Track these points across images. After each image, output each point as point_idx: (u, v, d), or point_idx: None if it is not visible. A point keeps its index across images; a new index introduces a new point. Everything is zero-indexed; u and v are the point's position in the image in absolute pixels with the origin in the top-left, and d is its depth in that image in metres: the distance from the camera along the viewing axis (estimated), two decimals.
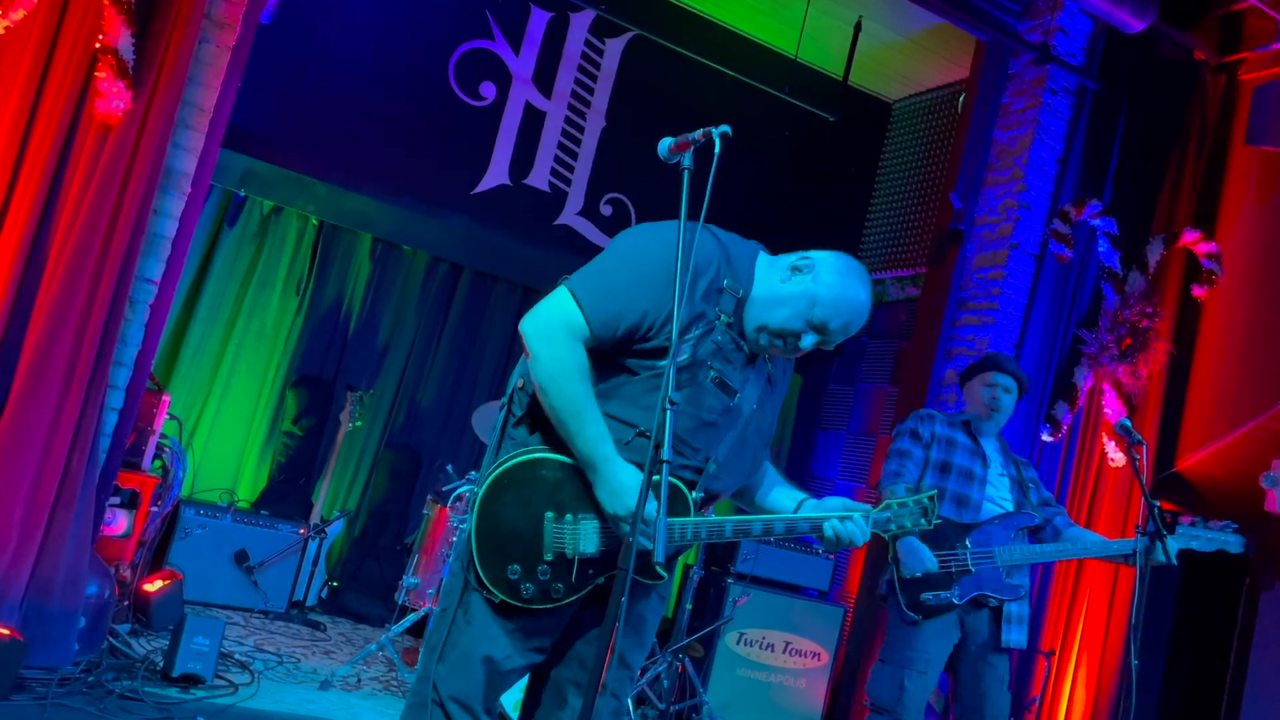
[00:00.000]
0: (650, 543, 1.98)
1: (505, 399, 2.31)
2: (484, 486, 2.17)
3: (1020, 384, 4.02)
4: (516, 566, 2.15)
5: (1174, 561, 3.48)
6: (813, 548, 5.80)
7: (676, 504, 2.23)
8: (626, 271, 2.20)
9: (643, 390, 2.20)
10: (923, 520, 2.40)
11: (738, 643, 5.32)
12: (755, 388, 2.34)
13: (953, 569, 3.75)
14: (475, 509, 2.16)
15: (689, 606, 5.08)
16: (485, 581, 2.14)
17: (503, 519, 2.16)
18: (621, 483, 2.13)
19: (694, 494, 2.25)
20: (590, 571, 2.20)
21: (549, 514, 2.17)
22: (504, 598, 2.15)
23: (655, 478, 1.96)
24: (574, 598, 2.20)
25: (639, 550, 2.00)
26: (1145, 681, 5.38)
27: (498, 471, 2.18)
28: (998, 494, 3.92)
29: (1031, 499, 3.97)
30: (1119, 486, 5.51)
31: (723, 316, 2.24)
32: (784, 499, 2.48)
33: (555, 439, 2.19)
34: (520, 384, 2.27)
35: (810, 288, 2.24)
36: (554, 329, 2.15)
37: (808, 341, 2.25)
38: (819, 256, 2.26)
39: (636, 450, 2.17)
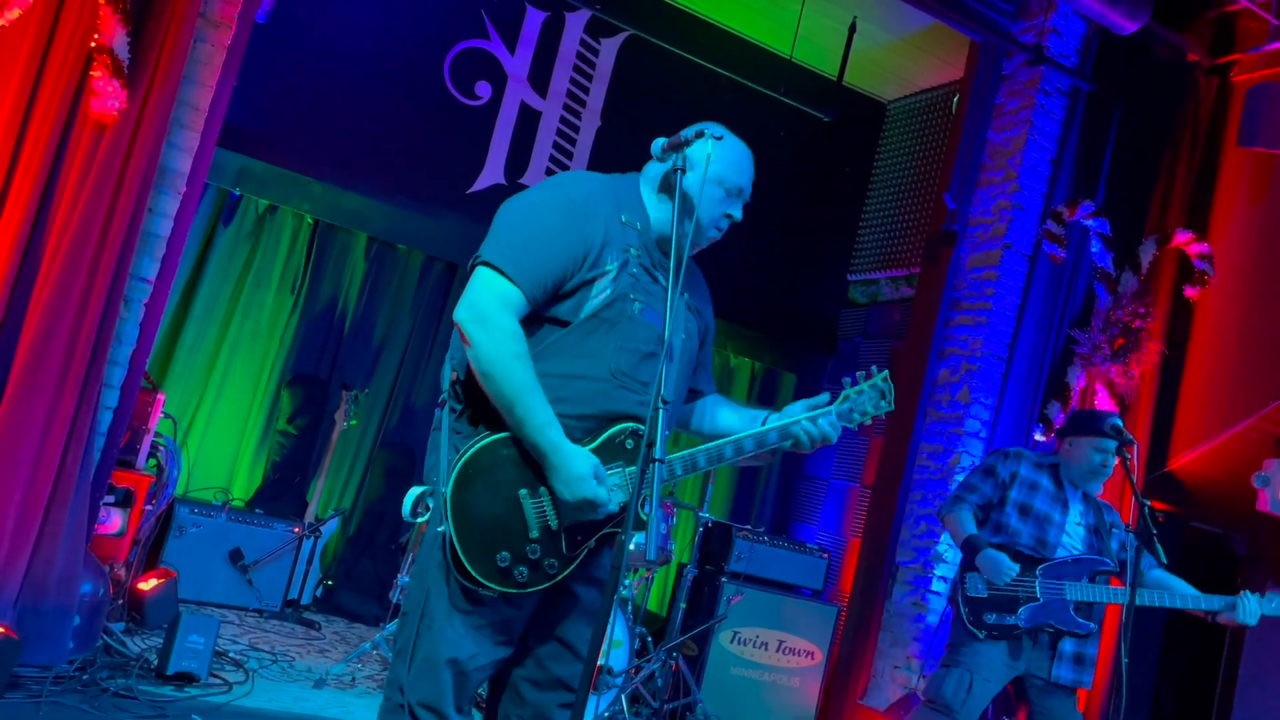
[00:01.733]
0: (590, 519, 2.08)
1: (443, 395, 2.27)
2: (450, 484, 2.12)
3: (1129, 447, 3.89)
4: (505, 554, 2.12)
5: (1164, 560, 3.50)
6: (807, 545, 5.82)
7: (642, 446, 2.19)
8: (528, 227, 2.20)
9: (578, 339, 2.20)
10: (883, 402, 2.42)
11: (731, 641, 5.34)
12: (680, 317, 2.36)
13: (1020, 594, 3.76)
14: (448, 509, 2.11)
15: (683, 605, 5.09)
16: (478, 578, 2.10)
17: (478, 510, 2.12)
18: (573, 471, 2.11)
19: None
20: (579, 537, 2.19)
21: (522, 492, 2.15)
22: (501, 589, 2.12)
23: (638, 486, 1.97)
24: (569, 569, 2.19)
25: (611, 506, 2.12)
26: (1137, 681, 5.41)
27: (460, 465, 2.13)
28: (1073, 540, 3.91)
29: (1111, 546, 3.92)
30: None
31: (631, 250, 2.27)
32: (746, 420, 2.45)
33: (502, 424, 2.16)
34: (455, 377, 2.24)
35: (712, 171, 2.31)
36: (489, 309, 2.13)
37: (737, 210, 2.38)
38: (689, 152, 2.27)
39: (580, 400, 2.18)
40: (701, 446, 2.29)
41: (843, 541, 6.65)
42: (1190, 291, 5.58)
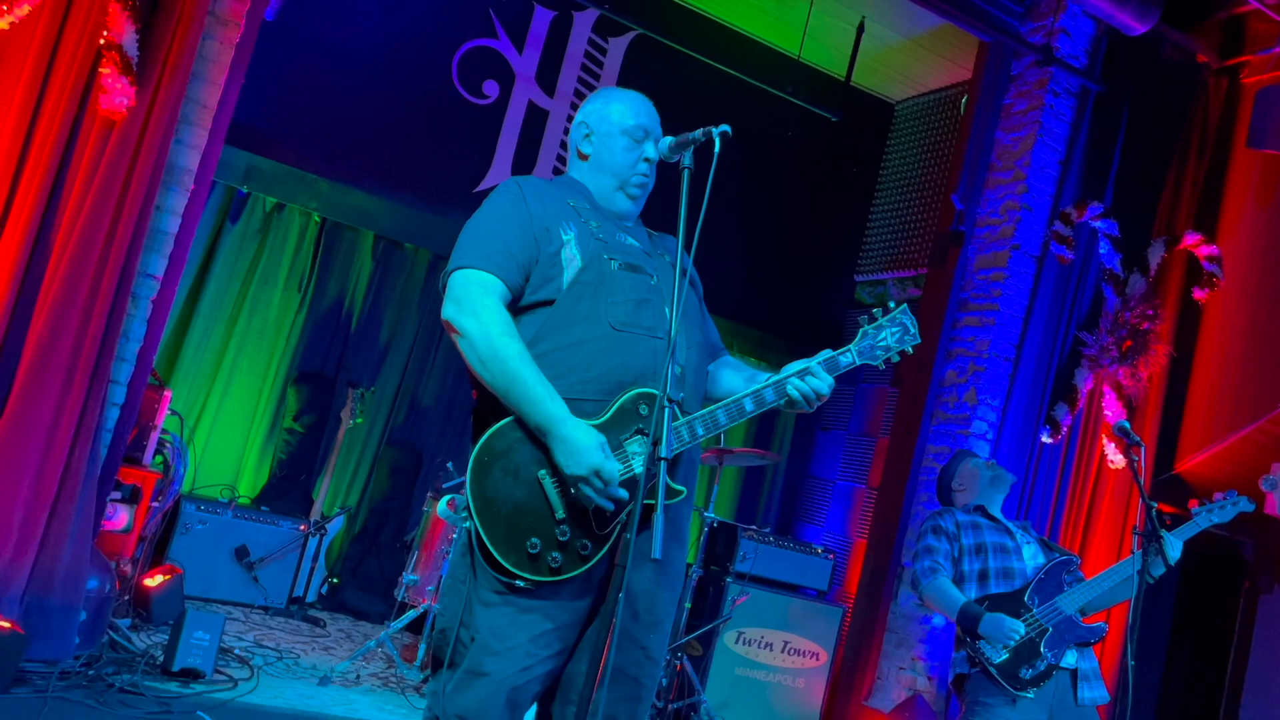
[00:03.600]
0: (598, 498, 2.06)
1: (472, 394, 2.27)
2: (469, 474, 2.08)
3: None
4: (535, 540, 2.06)
5: (1170, 564, 3.48)
6: (812, 546, 5.81)
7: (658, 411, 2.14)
8: (482, 226, 2.26)
9: (568, 309, 2.20)
10: (906, 337, 2.36)
11: (736, 642, 5.33)
12: (667, 274, 2.35)
13: (1033, 635, 3.66)
14: (470, 500, 2.06)
15: (688, 605, 5.08)
16: (511, 569, 2.04)
17: (500, 497, 2.07)
18: (578, 442, 2.05)
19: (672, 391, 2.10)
20: (609, 514, 2.12)
21: (543, 473, 2.09)
22: (535, 578, 2.04)
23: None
24: (604, 549, 2.11)
25: (635, 475, 2.09)
26: (1143, 683, 5.39)
27: (475, 452, 2.10)
28: (1031, 556, 3.88)
29: (1058, 549, 3.93)
30: (1119, 489, 5.52)
31: (591, 223, 2.31)
32: (744, 380, 2.42)
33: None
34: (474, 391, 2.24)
35: (611, 123, 2.40)
36: (471, 298, 2.15)
37: (651, 149, 2.39)
38: (582, 117, 2.45)
39: (589, 362, 2.16)
40: (698, 414, 2.22)
41: (848, 543, 6.64)
42: (1199, 293, 5.56)
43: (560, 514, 2.09)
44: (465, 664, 2.10)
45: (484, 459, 2.10)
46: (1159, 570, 3.56)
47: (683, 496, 2.21)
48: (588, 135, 2.43)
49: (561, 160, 6.51)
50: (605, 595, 2.17)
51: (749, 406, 2.26)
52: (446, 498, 4.87)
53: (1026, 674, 3.64)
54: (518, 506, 2.08)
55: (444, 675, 2.14)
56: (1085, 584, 3.72)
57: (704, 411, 2.24)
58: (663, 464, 1.93)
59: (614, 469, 2.08)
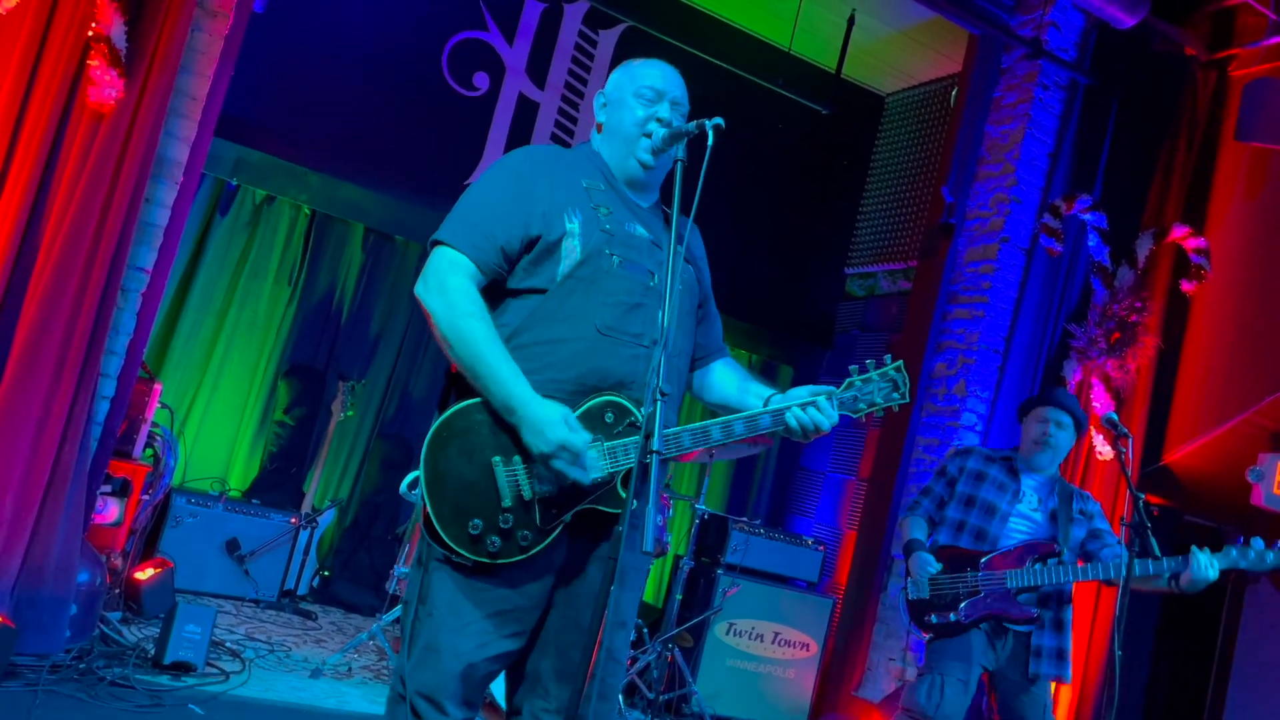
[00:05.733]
0: (570, 470, 2.05)
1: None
2: (425, 445, 2.10)
3: (1076, 420, 3.96)
4: (478, 521, 2.08)
5: (1158, 554, 3.51)
6: (803, 538, 5.83)
7: (623, 421, 2.17)
8: (474, 200, 2.24)
9: (558, 302, 2.18)
10: (894, 394, 2.29)
11: (727, 633, 5.35)
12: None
13: (960, 590, 3.81)
14: (422, 471, 2.09)
15: (679, 596, 5.10)
16: (449, 542, 2.06)
17: (451, 474, 2.09)
18: (542, 418, 2.05)
19: (645, 407, 2.08)
20: (554, 510, 2.12)
21: (496, 459, 2.11)
22: (473, 557, 2.07)
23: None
24: (545, 542, 2.12)
25: (583, 481, 2.08)
26: (1130, 677, 5.43)
27: (435, 427, 2.11)
28: (1023, 527, 3.92)
29: (1072, 532, 3.88)
30: (1107, 480, 5.55)
31: (601, 210, 2.26)
32: (751, 397, 2.38)
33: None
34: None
35: (624, 88, 2.37)
36: (440, 274, 2.15)
37: (665, 109, 2.32)
38: (606, 87, 2.44)
39: (567, 362, 2.15)
40: (688, 426, 2.21)
41: (838, 534, 6.67)
42: (1187, 286, 5.58)
43: (506, 502, 2.10)
44: (423, 639, 2.13)
45: (442, 434, 2.12)
46: (1151, 569, 3.57)
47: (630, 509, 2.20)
48: (604, 104, 2.41)
49: None
50: (565, 582, 2.22)
51: (739, 428, 2.24)
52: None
53: (933, 619, 3.85)
54: (466, 486, 2.09)
55: (404, 653, 2.17)
56: (1046, 569, 3.73)
57: (695, 427, 2.21)
58: (655, 457, 1.90)
59: (580, 440, 2.07)
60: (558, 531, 2.14)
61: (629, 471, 2.14)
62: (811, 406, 2.22)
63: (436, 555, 2.13)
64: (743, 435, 2.24)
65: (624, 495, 2.12)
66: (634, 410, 2.17)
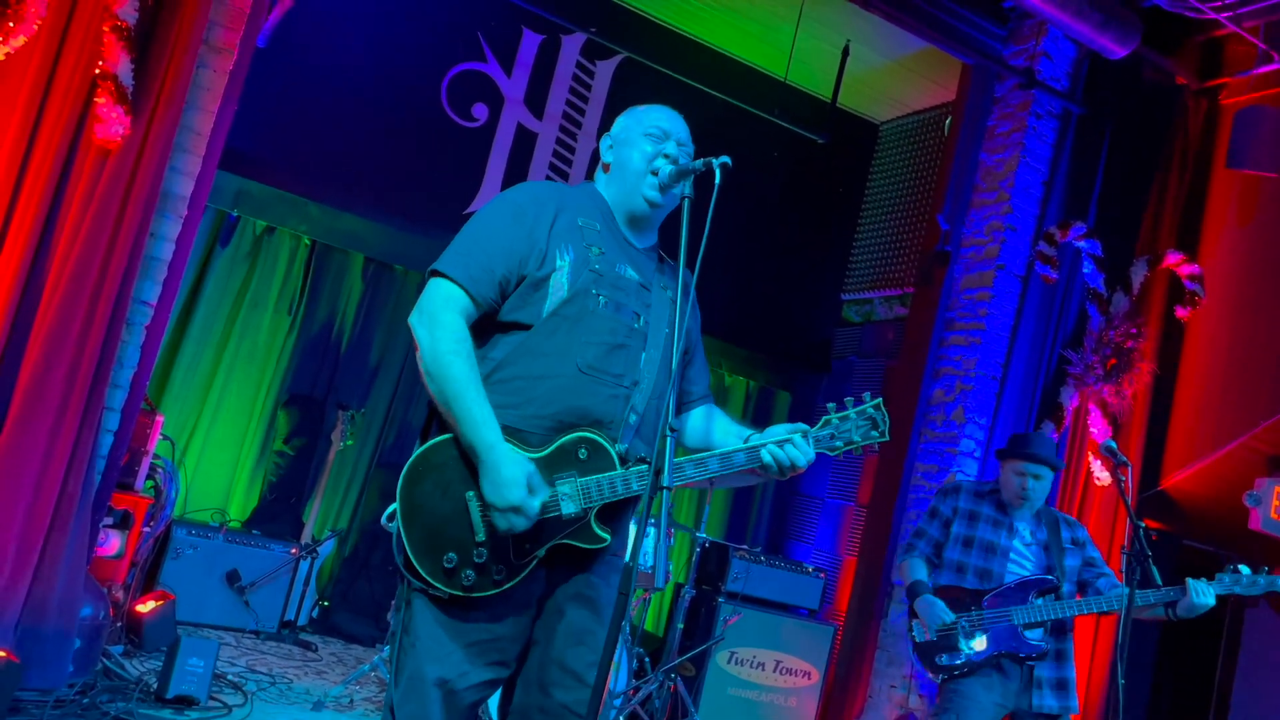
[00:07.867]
0: (515, 527, 2.08)
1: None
2: (401, 478, 2.13)
3: (1052, 467, 3.97)
4: (452, 555, 2.10)
5: (1159, 583, 3.53)
6: (803, 565, 5.84)
7: (597, 458, 2.19)
8: (477, 231, 2.27)
9: (542, 339, 2.21)
10: (873, 432, 2.29)
11: (729, 662, 5.35)
12: (663, 311, 2.35)
13: (967, 630, 3.82)
14: (398, 503, 2.12)
15: (680, 625, 5.10)
16: (424, 575, 2.09)
17: (426, 507, 2.12)
18: (504, 475, 2.07)
19: (620, 445, 2.20)
20: (527, 546, 2.14)
21: (470, 494, 2.13)
22: (448, 590, 2.08)
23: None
24: (518, 577, 2.14)
25: (560, 515, 2.13)
26: (1132, 696, 5.43)
27: (412, 460, 2.14)
28: (1023, 563, 3.93)
29: (1066, 563, 3.91)
30: (1105, 505, 5.57)
31: (594, 249, 2.29)
32: (732, 438, 2.39)
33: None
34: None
35: (633, 130, 2.40)
36: (433, 308, 2.19)
37: (671, 147, 2.36)
38: (612, 132, 2.47)
39: (546, 399, 2.17)
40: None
41: (838, 560, 6.68)
42: (1181, 312, 5.64)
43: (480, 537, 2.12)
44: (408, 670, 2.14)
45: (419, 468, 2.15)
46: (1152, 598, 3.61)
47: (604, 544, 2.20)
48: (611, 145, 2.44)
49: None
50: (544, 617, 2.24)
51: (714, 466, 2.26)
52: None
53: (942, 660, 3.85)
54: (442, 519, 2.12)
55: (391, 683, 2.19)
56: (1050, 605, 3.77)
57: (677, 461, 2.20)
58: (665, 493, 1.95)
59: (535, 504, 2.09)
60: (531, 566, 2.16)
61: (603, 507, 2.20)
62: (788, 444, 2.23)
63: (415, 586, 2.15)
64: (717, 472, 2.27)
65: (599, 531, 2.18)
66: (609, 448, 2.20)
